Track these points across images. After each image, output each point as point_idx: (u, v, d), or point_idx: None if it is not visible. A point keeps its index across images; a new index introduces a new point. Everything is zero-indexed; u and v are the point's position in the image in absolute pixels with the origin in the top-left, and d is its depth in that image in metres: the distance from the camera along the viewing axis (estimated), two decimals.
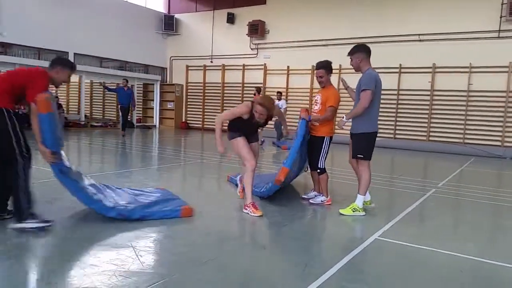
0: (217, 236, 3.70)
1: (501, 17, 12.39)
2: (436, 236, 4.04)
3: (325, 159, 5.01)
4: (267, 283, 2.78)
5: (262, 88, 15.54)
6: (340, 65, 13.59)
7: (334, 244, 3.72)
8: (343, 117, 4.58)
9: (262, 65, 16.78)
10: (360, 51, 4.54)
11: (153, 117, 19.48)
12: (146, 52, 18.47)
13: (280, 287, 2.72)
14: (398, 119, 14.22)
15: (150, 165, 8.16)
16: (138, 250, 3.19)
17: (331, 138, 5.00)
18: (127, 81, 13.47)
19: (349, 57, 4.59)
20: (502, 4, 12.32)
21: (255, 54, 17.10)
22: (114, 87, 14.77)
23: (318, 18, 15.47)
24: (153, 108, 19.51)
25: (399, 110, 14.18)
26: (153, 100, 19.50)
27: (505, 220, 5.02)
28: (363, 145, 4.57)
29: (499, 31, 12.48)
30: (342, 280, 2.83)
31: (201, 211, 4.40)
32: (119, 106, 13.97)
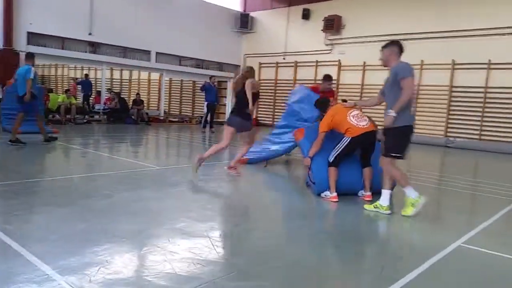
0: (294, 231, 3.70)
1: None
2: None
3: (338, 155, 4.88)
4: (341, 283, 2.73)
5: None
6: (422, 61, 12.89)
7: (412, 249, 3.54)
8: (389, 112, 4.28)
9: (336, 61, 16.45)
10: (394, 45, 4.45)
11: (225, 113, 20.02)
12: (221, 50, 18.98)
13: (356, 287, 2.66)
14: (484, 119, 13.14)
15: None
16: (214, 240, 3.30)
17: (353, 139, 4.82)
18: (214, 78, 13.79)
19: (381, 50, 4.51)
20: None
21: (329, 50, 16.81)
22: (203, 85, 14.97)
23: (396, 12, 14.80)
24: (225, 105, 20.03)
25: (486, 109, 13.10)
26: (225, 97, 20.01)
27: None
28: (395, 141, 4.33)
29: None
30: (421, 287, 2.69)
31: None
32: (206, 103, 14.27)
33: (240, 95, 5.86)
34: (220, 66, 19.45)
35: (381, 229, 4.20)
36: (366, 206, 4.61)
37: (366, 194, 5.04)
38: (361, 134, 4.84)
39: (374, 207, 4.51)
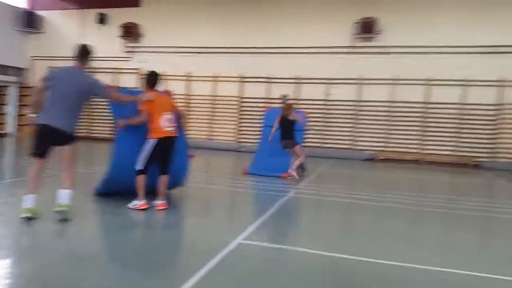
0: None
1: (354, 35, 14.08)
2: (296, 235, 4.39)
3: (144, 160, 4.94)
4: None
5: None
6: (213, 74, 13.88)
7: (195, 252, 3.72)
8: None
9: (136, 69, 16.22)
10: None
11: (5, 123, 17.27)
12: (1, 51, 16.38)
13: None
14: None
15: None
16: None
17: (156, 140, 4.92)
18: None
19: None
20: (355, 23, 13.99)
21: (129, 57, 16.48)
22: None
23: (195, 25, 15.61)
24: (5, 114, 17.28)
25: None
26: (6, 104, 17.30)
27: (355, 217, 5.68)
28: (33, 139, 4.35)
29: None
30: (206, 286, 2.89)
31: None
32: None
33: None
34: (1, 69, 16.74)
35: (161, 236, 4.32)
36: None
37: (159, 203, 5.05)
38: (164, 137, 4.94)
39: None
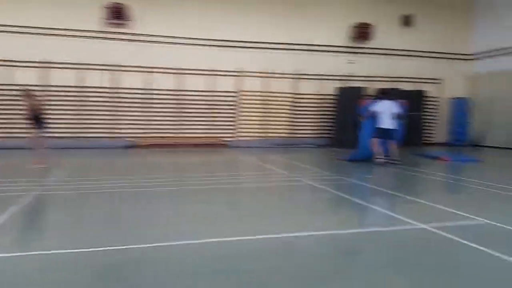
0: None
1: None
2: (46, 236, 4.13)
3: None
4: None
5: None
6: None
7: None
8: None
9: None
10: None
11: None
12: None
13: None
14: None
15: None
16: None
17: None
18: None
19: None
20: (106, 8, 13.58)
21: None
22: None
23: None
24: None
25: None
26: None
27: (117, 205, 5.70)
28: None
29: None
30: None
31: None
32: None
33: None
34: None
35: None
36: None
37: None
38: None
39: None
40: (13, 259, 3.45)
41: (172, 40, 14.47)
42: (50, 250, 3.61)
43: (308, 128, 16.33)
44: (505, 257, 3.46)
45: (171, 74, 14.67)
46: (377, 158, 9.75)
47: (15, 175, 7.97)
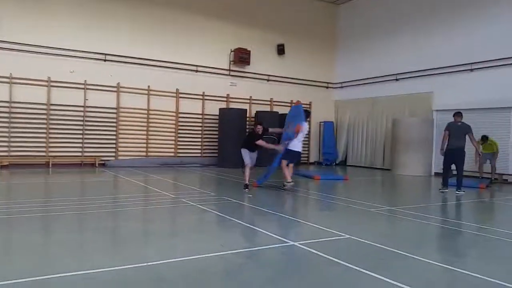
0: None
1: None
2: None
3: None
4: None
5: None
6: None
7: None
8: None
9: None
10: None
11: None
12: None
13: None
14: None
15: None
16: None
17: None
18: None
19: None
20: None
21: None
22: None
23: None
24: None
25: None
26: None
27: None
28: None
29: None
30: None
31: None
32: None
33: None
34: None
35: None
36: None
37: None
38: None
39: None
40: None
41: (41, 50, 13.28)
42: None
43: (193, 147, 16.30)
44: (366, 271, 3.82)
45: (39, 87, 13.38)
46: (288, 182, 9.18)
47: None
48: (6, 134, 12.94)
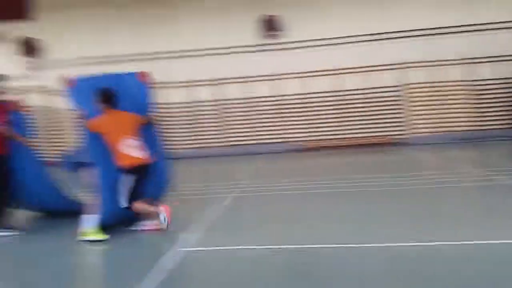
0: None
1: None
2: (244, 233, 4.20)
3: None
4: None
5: None
6: None
7: (144, 267, 3.34)
8: None
9: (43, 87, 14.83)
10: None
11: None
12: None
13: None
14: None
15: None
16: None
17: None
18: None
19: None
20: None
21: (30, 75, 15.11)
22: None
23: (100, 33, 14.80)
24: None
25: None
26: None
27: (340, 206, 5.54)
28: None
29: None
30: None
31: None
32: None
33: None
34: None
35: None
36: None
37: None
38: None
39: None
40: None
41: (324, 42, 14.33)
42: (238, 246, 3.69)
43: (497, 118, 14.02)
44: None
45: (328, 76, 14.42)
46: None
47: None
48: (306, 121, 14.63)
